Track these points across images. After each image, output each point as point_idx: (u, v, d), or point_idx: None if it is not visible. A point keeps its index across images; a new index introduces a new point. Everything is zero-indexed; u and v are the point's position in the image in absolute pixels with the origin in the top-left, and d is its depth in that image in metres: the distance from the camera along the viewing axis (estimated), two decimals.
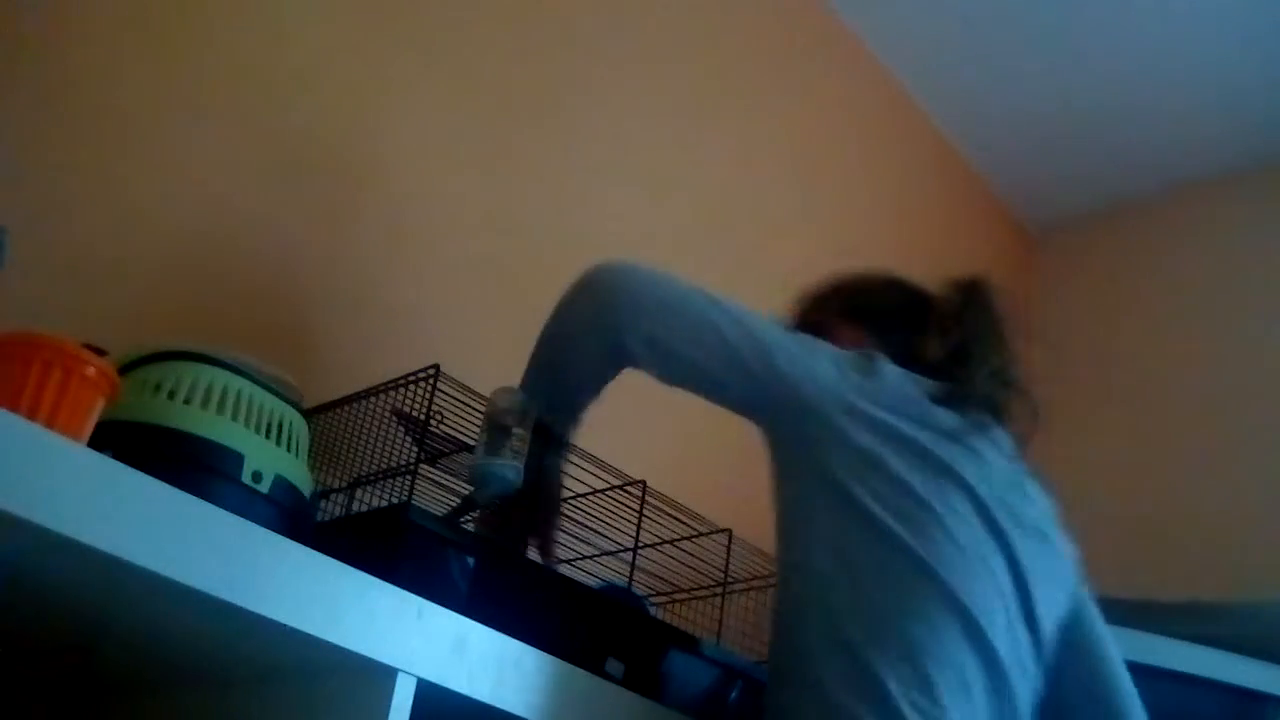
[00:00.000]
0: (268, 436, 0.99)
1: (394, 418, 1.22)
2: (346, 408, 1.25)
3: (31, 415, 0.76)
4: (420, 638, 0.90)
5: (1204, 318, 2.70)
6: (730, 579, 1.44)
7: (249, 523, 0.82)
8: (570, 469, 1.31)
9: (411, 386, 1.19)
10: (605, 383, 1.24)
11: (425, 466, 1.24)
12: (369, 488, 1.21)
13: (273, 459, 0.98)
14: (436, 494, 1.28)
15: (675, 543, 1.42)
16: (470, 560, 1.12)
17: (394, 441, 1.21)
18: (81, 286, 1.27)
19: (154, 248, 1.35)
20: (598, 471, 1.34)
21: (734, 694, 1.27)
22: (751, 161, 2.28)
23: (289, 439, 1.01)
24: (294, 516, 1.00)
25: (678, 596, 1.50)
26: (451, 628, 0.93)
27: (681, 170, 2.12)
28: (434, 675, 0.90)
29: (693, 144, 2.16)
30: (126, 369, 0.97)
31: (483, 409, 1.19)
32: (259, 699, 0.97)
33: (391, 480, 1.19)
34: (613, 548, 1.40)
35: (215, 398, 0.97)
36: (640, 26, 2.09)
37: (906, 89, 2.72)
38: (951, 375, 1.19)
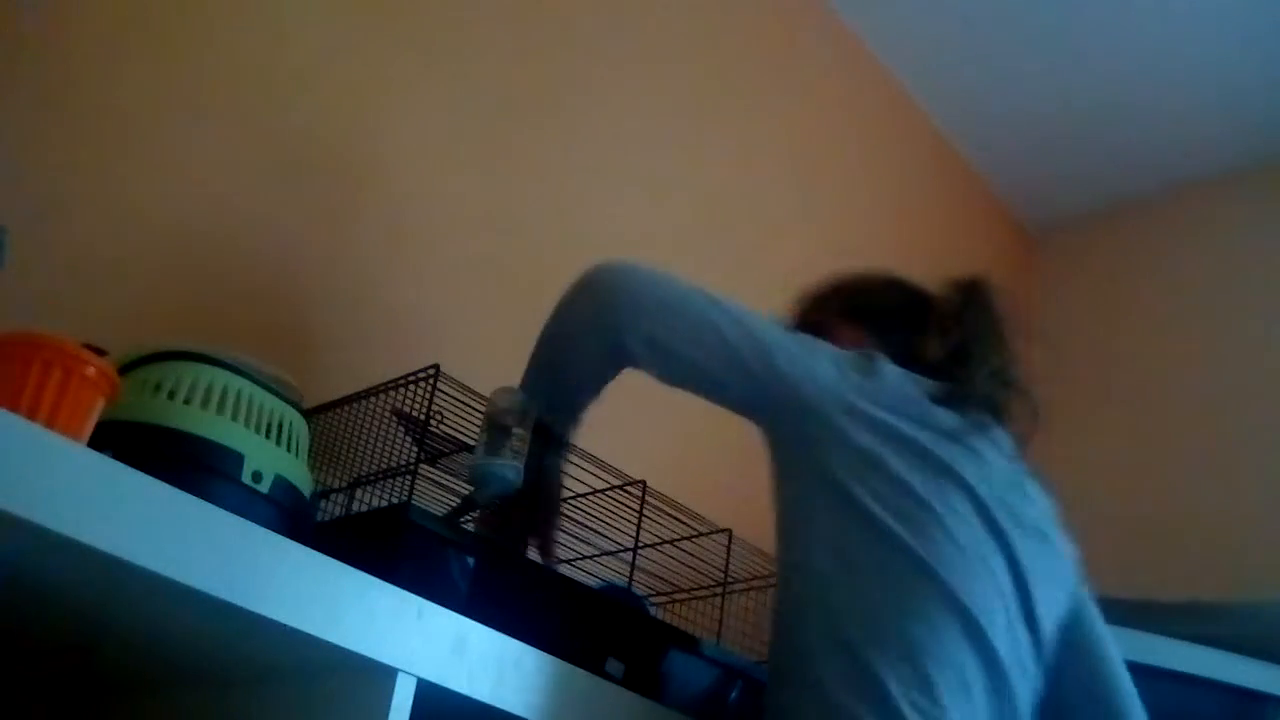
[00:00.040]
0: (268, 436, 0.99)
1: (394, 418, 1.22)
2: (346, 408, 1.25)
3: (31, 415, 0.76)
4: (420, 638, 0.90)
5: (1204, 318, 2.70)
6: (730, 579, 1.44)
7: (249, 523, 0.82)
8: (570, 469, 1.31)
9: (411, 386, 1.19)
10: (605, 383, 1.24)
11: (425, 466, 1.24)
12: (369, 488, 1.21)
13: (273, 459, 0.98)
14: (436, 494, 1.28)
15: (675, 543, 1.42)
16: (470, 560, 1.12)
17: (394, 441, 1.21)
18: (81, 286, 1.27)
19: (154, 248, 1.35)
20: (598, 471, 1.34)
21: (734, 694, 1.27)
22: (751, 161, 2.28)
23: (289, 439, 1.01)
24: (294, 516, 1.00)
25: (678, 596, 1.50)
26: (451, 628, 0.93)
27: (681, 170, 2.12)
28: (434, 675, 0.90)
29: (693, 144, 2.16)
30: (126, 369, 0.97)
31: (483, 409, 1.19)
32: (259, 699, 0.97)
33: (391, 480, 1.19)
34: (613, 548, 1.40)
35: (215, 398, 0.97)
36: (640, 26, 2.09)
37: (906, 89, 2.72)
38: (951, 375, 1.19)
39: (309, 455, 1.07)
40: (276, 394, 1.02)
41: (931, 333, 1.26)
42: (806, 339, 1.18)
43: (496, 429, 1.17)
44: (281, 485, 0.98)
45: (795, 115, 2.42)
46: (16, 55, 1.25)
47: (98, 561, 0.74)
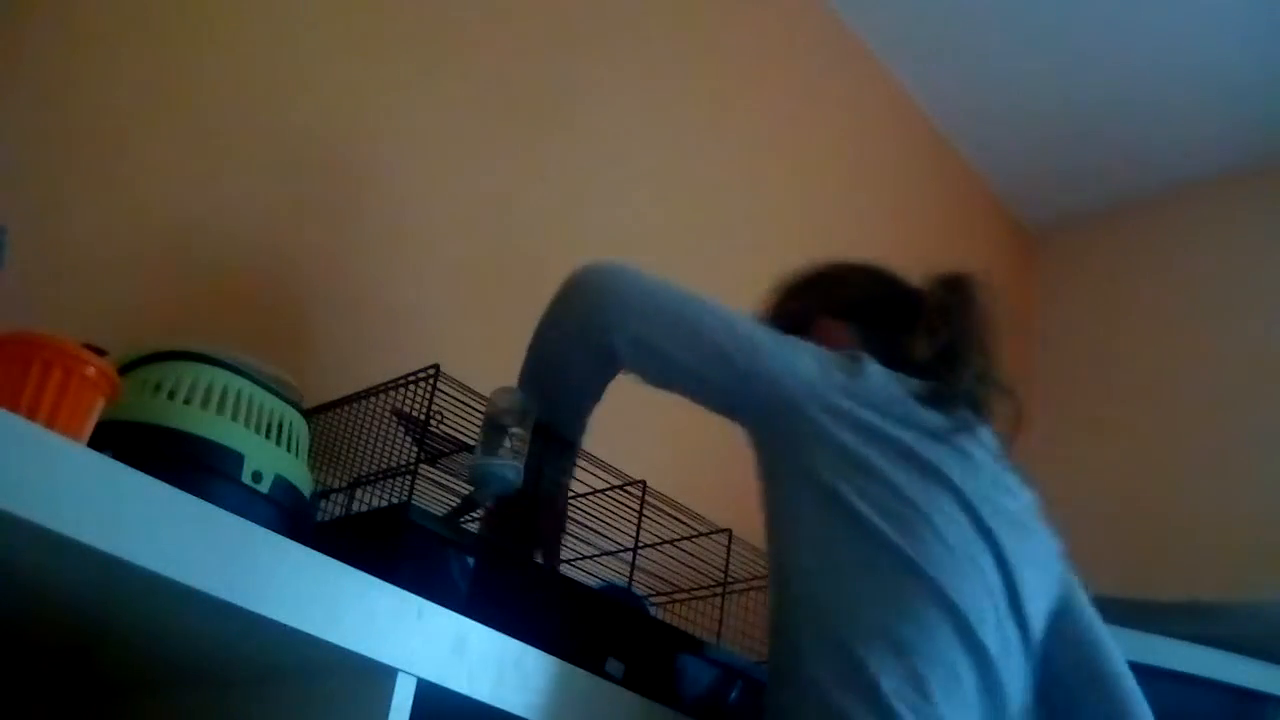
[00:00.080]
0: (268, 436, 0.99)
1: (394, 418, 1.22)
2: (346, 408, 1.25)
3: (31, 415, 0.76)
4: (420, 638, 0.90)
5: (1204, 317, 2.70)
6: (730, 579, 1.44)
7: (249, 523, 0.82)
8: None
9: (411, 386, 1.19)
10: (600, 384, 1.24)
11: (425, 466, 1.24)
12: (369, 488, 1.21)
13: (273, 459, 0.98)
14: (436, 494, 1.28)
15: (675, 543, 1.42)
16: (470, 560, 1.12)
17: (394, 441, 1.21)
18: (81, 286, 1.27)
19: (154, 248, 1.35)
20: (598, 471, 1.34)
21: (734, 694, 1.27)
22: (751, 161, 2.28)
23: (289, 439, 1.01)
24: (294, 516, 1.00)
25: (678, 596, 1.50)
26: (451, 628, 0.93)
27: (682, 170, 2.12)
28: (434, 675, 0.90)
29: (693, 144, 2.16)
30: (126, 369, 0.97)
31: (483, 409, 1.19)
32: (259, 699, 0.97)
33: (391, 480, 1.19)
34: (613, 548, 1.40)
35: (215, 398, 0.97)
36: (641, 27, 2.09)
37: (906, 88, 2.72)
38: (938, 375, 1.19)
39: (309, 455, 1.07)
40: (276, 394, 1.02)
41: (919, 332, 1.24)
42: (791, 338, 1.18)
43: (496, 429, 1.17)
44: (281, 485, 0.98)
45: (795, 115, 2.42)
46: (17, 55, 1.25)
47: (98, 561, 0.74)
